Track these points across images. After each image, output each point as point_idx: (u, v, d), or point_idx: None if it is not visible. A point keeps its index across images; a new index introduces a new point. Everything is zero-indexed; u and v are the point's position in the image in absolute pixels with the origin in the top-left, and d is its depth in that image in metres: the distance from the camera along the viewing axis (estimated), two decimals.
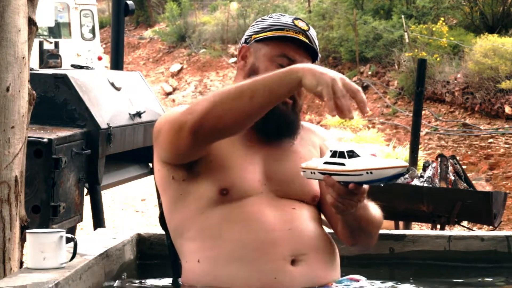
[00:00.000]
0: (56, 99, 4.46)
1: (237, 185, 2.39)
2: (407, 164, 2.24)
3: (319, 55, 2.55)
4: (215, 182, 2.39)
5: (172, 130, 2.31)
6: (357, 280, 2.48)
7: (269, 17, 2.53)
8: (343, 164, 2.18)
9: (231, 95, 2.20)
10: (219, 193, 2.38)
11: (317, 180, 2.51)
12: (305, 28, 2.48)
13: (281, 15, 2.53)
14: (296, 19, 2.50)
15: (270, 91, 2.17)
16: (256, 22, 2.54)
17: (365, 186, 2.23)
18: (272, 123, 2.42)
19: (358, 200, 2.25)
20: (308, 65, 2.16)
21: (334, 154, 2.21)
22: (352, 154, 2.18)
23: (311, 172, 2.24)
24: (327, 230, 2.57)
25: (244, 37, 2.55)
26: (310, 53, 2.50)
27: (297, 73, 2.15)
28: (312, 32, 2.50)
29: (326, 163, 2.21)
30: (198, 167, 2.40)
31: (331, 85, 2.12)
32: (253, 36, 2.50)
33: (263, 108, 2.21)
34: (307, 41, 2.46)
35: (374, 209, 2.44)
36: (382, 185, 2.18)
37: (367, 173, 2.14)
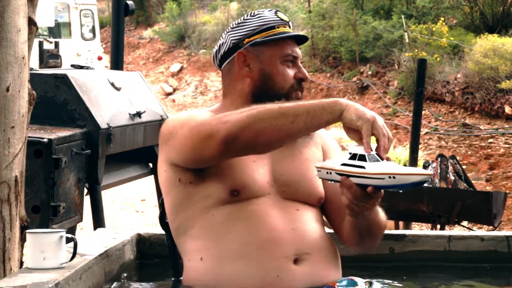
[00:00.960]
0: (56, 99, 4.46)
1: (248, 187, 2.39)
2: (431, 172, 2.22)
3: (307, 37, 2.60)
4: (226, 184, 2.39)
5: (199, 136, 2.30)
6: (357, 282, 2.48)
7: (251, 16, 2.52)
8: (363, 167, 2.16)
9: (273, 113, 2.22)
10: (229, 194, 2.39)
11: (322, 182, 2.52)
12: (286, 19, 2.55)
13: (261, 12, 2.53)
14: (276, 12, 2.54)
15: (312, 118, 2.21)
16: (239, 24, 2.51)
17: (382, 191, 2.22)
18: None
19: (373, 203, 2.25)
20: (352, 102, 2.22)
21: (353, 156, 2.19)
22: (372, 158, 2.16)
23: (327, 172, 2.22)
24: (327, 230, 2.57)
25: (231, 40, 2.51)
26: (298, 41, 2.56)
27: (341, 105, 2.20)
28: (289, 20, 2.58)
29: (344, 164, 2.20)
30: (207, 169, 2.40)
31: (371, 122, 2.17)
32: (245, 40, 2.49)
33: (301, 132, 2.26)
34: (291, 31, 2.53)
35: (381, 213, 2.44)
36: (401, 191, 2.17)
37: (389, 177, 2.12)
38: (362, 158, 2.17)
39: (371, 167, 2.15)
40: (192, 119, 2.37)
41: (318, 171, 2.27)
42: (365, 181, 2.16)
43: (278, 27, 2.50)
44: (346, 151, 2.40)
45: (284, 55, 2.48)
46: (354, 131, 2.21)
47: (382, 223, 2.44)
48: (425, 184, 6.50)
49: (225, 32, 2.55)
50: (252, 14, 2.52)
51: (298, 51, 2.53)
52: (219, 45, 2.54)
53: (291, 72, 2.49)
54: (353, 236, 2.47)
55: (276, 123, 2.21)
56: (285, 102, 2.28)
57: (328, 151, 2.59)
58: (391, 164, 2.14)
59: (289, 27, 2.54)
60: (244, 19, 2.52)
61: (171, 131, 2.41)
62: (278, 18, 2.51)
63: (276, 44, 2.48)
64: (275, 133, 2.23)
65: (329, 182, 2.29)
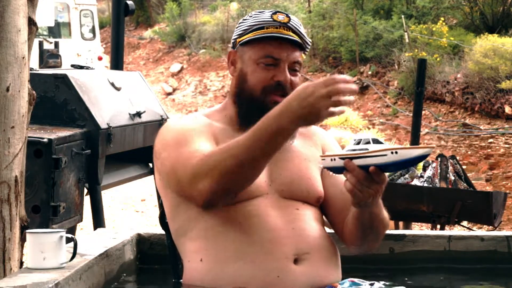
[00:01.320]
0: (56, 99, 4.46)
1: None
2: (433, 146, 2.22)
3: (309, 41, 2.51)
4: None
5: (182, 191, 2.36)
6: (358, 283, 2.48)
7: (249, 16, 2.50)
8: (366, 149, 2.17)
9: (234, 169, 2.21)
10: None
11: (321, 182, 2.52)
12: (285, 20, 2.45)
13: (260, 12, 2.49)
14: (275, 13, 2.47)
15: (267, 152, 2.21)
16: (239, 24, 2.51)
17: (385, 176, 2.21)
18: None
19: (376, 189, 2.22)
20: (290, 113, 2.13)
21: (358, 142, 2.20)
22: (376, 141, 2.17)
23: (331, 159, 2.21)
24: (327, 230, 2.56)
25: (232, 40, 2.55)
26: (297, 44, 2.47)
27: (288, 128, 2.15)
28: (294, 22, 2.47)
29: (348, 150, 2.21)
30: None
31: (320, 103, 2.11)
32: (237, 40, 2.49)
33: (266, 163, 2.25)
34: (290, 33, 2.44)
35: (385, 211, 2.44)
36: (402, 170, 2.18)
37: (391, 152, 2.11)
38: (366, 142, 2.18)
39: (374, 147, 2.16)
40: (177, 152, 2.36)
41: (322, 159, 2.26)
42: (367, 161, 2.15)
43: (267, 28, 2.43)
44: (343, 150, 2.39)
45: (261, 56, 2.42)
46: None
47: (385, 220, 2.43)
48: (425, 184, 6.53)
49: None
50: (250, 15, 2.51)
51: (287, 55, 2.43)
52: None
53: (268, 73, 2.42)
54: (356, 233, 2.45)
55: (239, 175, 2.23)
56: (240, 145, 2.22)
57: (328, 151, 2.58)
58: (393, 145, 2.16)
59: (287, 28, 2.45)
60: (243, 19, 2.51)
61: (160, 151, 2.43)
62: (271, 19, 2.44)
63: (260, 45, 2.43)
64: (244, 179, 2.26)
65: (332, 173, 2.28)
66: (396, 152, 2.11)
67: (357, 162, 2.17)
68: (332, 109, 2.11)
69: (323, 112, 2.11)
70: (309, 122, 2.14)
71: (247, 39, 2.46)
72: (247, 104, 2.44)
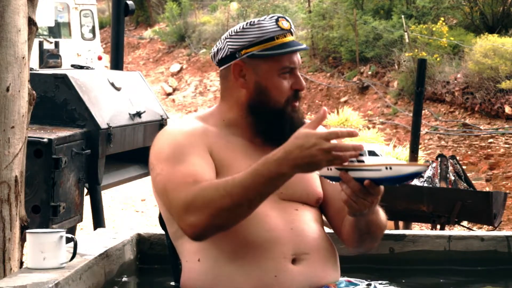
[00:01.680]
0: (56, 99, 4.46)
1: None
2: (427, 164, 2.23)
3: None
4: None
5: (173, 217, 2.36)
6: (356, 283, 2.48)
7: (251, 24, 2.45)
8: (362, 161, 2.18)
9: (229, 207, 2.22)
10: None
11: (321, 183, 2.52)
12: (288, 26, 2.47)
13: (262, 20, 2.47)
14: (278, 19, 2.46)
15: (265, 194, 2.23)
16: (238, 33, 2.45)
17: (381, 188, 2.22)
18: (283, 129, 2.42)
19: (371, 201, 2.24)
20: (290, 161, 2.16)
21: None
22: (372, 153, 2.19)
23: (328, 168, 2.22)
24: (327, 230, 2.56)
25: (228, 48, 2.47)
26: (307, 47, 2.55)
27: (287, 174, 2.19)
28: (291, 23, 2.50)
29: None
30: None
31: (320, 156, 2.14)
32: (243, 51, 2.45)
33: (261, 203, 2.27)
34: (293, 37, 2.47)
35: (382, 214, 2.44)
36: (397, 185, 2.18)
37: (386, 168, 2.13)
38: (362, 154, 2.18)
39: (369, 160, 2.17)
40: (169, 173, 2.35)
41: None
42: (363, 174, 2.17)
43: (277, 38, 2.43)
44: None
45: (281, 68, 2.43)
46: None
47: (382, 224, 2.44)
48: (425, 184, 6.53)
49: (224, 37, 2.49)
50: (252, 23, 2.46)
51: (297, 60, 2.47)
52: (217, 49, 2.50)
53: (287, 84, 2.44)
54: (353, 237, 2.46)
55: (235, 214, 2.24)
56: (236, 187, 2.22)
57: None
58: (389, 159, 2.16)
59: (291, 33, 2.47)
60: (243, 28, 2.45)
61: (153, 166, 2.42)
62: (278, 28, 2.44)
63: (273, 57, 2.44)
64: (238, 218, 2.28)
65: (329, 181, 2.29)
66: (390, 168, 2.13)
67: (353, 174, 2.19)
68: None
69: (323, 164, 2.14)
70: (307, 171, 2.19)
71: (258, 51, 2.43)
72: (267, 116, 2.44)
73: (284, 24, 2.45)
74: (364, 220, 2.36)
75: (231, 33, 2.47)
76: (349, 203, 2.24)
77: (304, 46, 2.49)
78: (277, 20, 2.46)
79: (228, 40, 2.47)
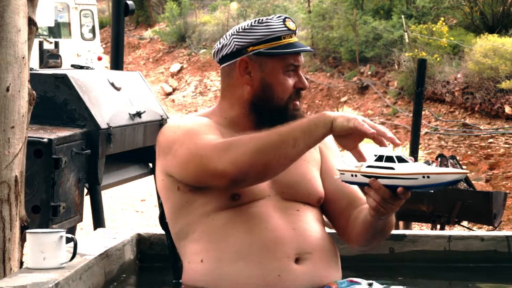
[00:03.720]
0: (56, 99, 4.46)
1: (249, 190, 2.39)
2: (466, 171, 2.21)
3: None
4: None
5: (204, 169, 2.31)
6: (357, 283, 2.48)
7: (259, 23, 2.49)
8: (392, 168, 2.14)
9: (275, 143, 2.25)
10: (229, 198, 2.39)
11: (321, 183, 2.51)
12: (294, 27, 2.52)
13: (269, 18, 2.50)
14: (285, 19, 2.51)
15: (309, 136, 2.26)
16: (245, 30, 2.48)
17: (409, 192, 2.21)
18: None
19: (399, 205, 2.25)
20: (337, 112, 2.28)
21: (380, 158, 2.17)
22: (400, 159, 2.15)
23: (352, 175, 2.20)
24: (328, 230, 2.57)
25: (235, 44, 2.49)
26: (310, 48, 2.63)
27: (329, 117, 2.25)
28: (296, 25, 2.56)
29: (370, 166, 2.19)
30: None
31: (361, 119, 2.22)
32: (250, 48, 2.47)
33: (303, 153, 2.29)
34: (296, 39, 2.52)
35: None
36: (432, 191, 2.16)
37: (423, 177, 2.09)
38: (389, 159, 2.15)
39: (401, 168, 2.13)
40: (193, 139, 2.35)
41: (341, 174, 2.25)
42: (396, 182, 2.14)
43: (284, 38, 2.48)
44: (344, 151, 2.40)
45: (286, 66, 2.48)
46: (345, 138, 2.25)
47: (393, 222, 2.46)
48: None
49: (230, 34, 2.51)
50: (260, 21, 2.50)
51: (301, 59, 2.53)
52: (222, 45, 2.51)
53: (291, 81, 2.49)
54: (365, 235, 2.45)
55: (280, 152, 2.25)
56: (280, 127, 2.29)
57: (326, 153, 2.58)
58: (421, 164, 2.13)
59: (295, 35, 2.53)
60: (251, 25, 2.48)
61: (169, 146, 2.40)
62: (286, 28, 2.48)
63: (280, 56, 2.48)
64: (281, 161, 2.27)
65: (352, 185, 2.27)
66: (428, 177, 2.09)
67: (383, 182, 2.16)
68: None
69: (357, 121, 2.20)
70: (344, 119, 2.22)
71: (265, 49, 2.46)
72: (270, 112, 2.47)
73: (291, 25, 2.51)
74: (382, 221, 2.37)
75: (239, 29, 2.50)
76: (377, 209, 2.24)
77: (308, 48, 2.57)
78: (284, 20, 2.50)
79: (234, 36, 2.49)
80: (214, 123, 2.46)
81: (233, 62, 2.49)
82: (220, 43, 2.53)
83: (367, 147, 2.38)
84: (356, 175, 2.20)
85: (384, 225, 2.41)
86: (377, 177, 2.16)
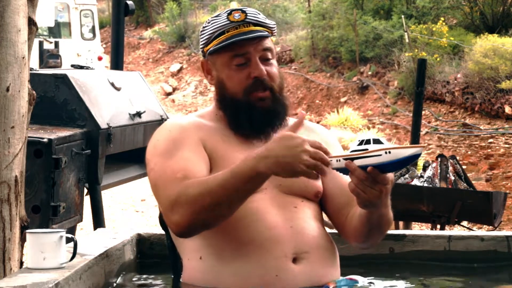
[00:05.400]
0: (56, 99, 4.46)
1: None
2: (424, 145, 2.26)
3: (272, 23, 2.53)
4: None
5: (161, 208, 2.39)
6: (356, 281, 2.48)
7: (208, 23, 2.52)
8: (366, 149, 2.22)
9: (209, 206, 2.24)
10: None
11: (321, 177, 2.52)
12: (242, 17, 2.46)
13: (217, 16, 2.51)
14: (230, 13, 2.48)
15: (242, 193, 2.24)
16: (201, 32, 2.54)
17: (389, 176, 2.22)
18: (250, 120, 2.45)
19: (379, 190, 2.22)
20: (270, 158, 2.17)
21: (361, 142, 2.26)
22: (377, 141, 2.23)
23: (337, 160, 2.24)
24: (328, 230, 2.56)
25: (200, 48, 2.57)
26: (262, 33, 2.47)
27: (263, 173, 2.20)
28: (251, 14, 2.47)
29: (352, 151, 2.25)
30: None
31: (302, 157, 2.15)
32: (205, 49, 2.52)
33: (241, 203, 2.28)
34: (250, 28, 2.45)
35: (390, 210, 2.44)
36: (399, 169, 2.22)
37: (385, 152, 2.16)
38: (367, 142, 2.24)
39: (372, 148, 2.20)
40: (162, 169, 2.37)
41: (330, 160, 2.28)
42: (365, 161, 2.19)
43: (228, 31, 2.45)
44: (347, 150, 2.42)
45: (230, 59, 2.45)
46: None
47: (390, 219, 2.45)
48: (425, 184, 6.52)
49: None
50: (208, 21, 2.53)
51: (252, 48, 2.44)
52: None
53: (242, 74, 2.45)
54: (362, 231, 2.44)
55: (216, 212, 2.26)
56: (214, 188, 2.25)
57: (328, 149, 2.58)
58: (391, 144, 2.20)
59: (250, 24, 2.45)
60: (203, 27, 2.54)
61: (148, 162, 2.44)
62: (228, 21, 2.46)
63: (225, 49, 2.46)
64: (221, 216, 2.28)
65: (341, 174, 2.29)
66: (389, 152, 2.17)
67: (357, 162, 2.21)
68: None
69: (301, 168, 2.15)
70: (282, 172, 2.18)
71: (213, 47, 2.48)
72: (233, 109, 2.47)
73: (235, 16, 2.47)
74: (376, 214, 2.35)
75: (200, 33, 2.56)
76: (356, 192, 2.23)
77: (254, 34, 2.45)
78: (229, 14, 2.49)
79: (200, 40, 2.57)
80: (201, 125, 2.48)
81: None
82: None
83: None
84: (339, 160, 2.24)
85: (379, 219, 2.39)
86: (352, 159, 2.22)
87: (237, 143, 2.46)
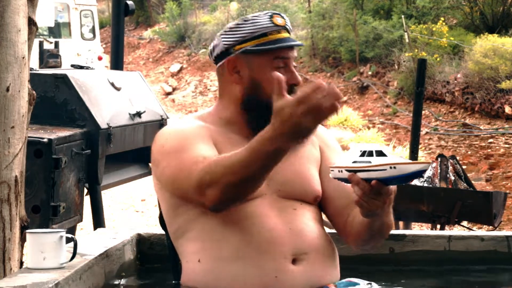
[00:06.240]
0: (56, 99, 4.47)
1: None
2: (429, 161, 2.25)
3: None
4: None
5: (187, 197, 2.36)
6: (356, 283, 2.48)
7: (245, 20, 2.48)
8: (369, 162, 2.20)
9: (236, 183, 2.21)
10: None
11: (320, 181, 2.52)
12: (283, 22, 2.48)
13: (257, 16, 2.49)
14: (272, 16, 2.48)
15: (267, 167, 2.20)
16: (232, 29, 2.48)
17: (392, 188, 2.22)
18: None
19: (383, 201, 2.23)
20: (281, 136, 2.13)
21: (363, 153, 2.23)
22: (380, 153, 2.20)
23: (339, 171, 2.24)
24: (328, 230, 2.56)
25: (223, 44, 2.49)
26: (301, 43, 2.55)
27: (285, 147, 2.16)
28: (288, 22, 2.51)
29: (354, 162, 2.23)
30: None
31: (303, 120, 2.11)
32: (236, 47, 2.47)
33: (268, 174, 2.24)
34: (287, 34, 2.48)
35: (391, 214, 2.44)
36: (404, 184, 2.20)
37: (390, 167, 2.15)
38: (370, 154, 2.21)
39: (376, 161, 2.18)
40: (179, 159, 2.35)
41: (331, 170, 2.28)
42: (370, 175, 2.18)
43: (270, 34, 2.45)
44: (346, 150, 2.42)
45: (274, 62, 2.44)
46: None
47: (392, 223, 2.45)
48: (425, 184, 6.52)
49: (219, 34, 2.52)
50: (245, 19, 2.49)
51: (292, 54, 2.47)
52: (213, 46, 2.53)
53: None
54: (363, 236, 2.45)
55: (251, 182, 2.23)
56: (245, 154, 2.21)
57: (326, 151, 2.58)
58: (395, 157, 2.18)
59: (287, 31, 2.49)
60: (237, 24, 2.48)
61: (159, 160, 2.42)
62: (272, 24, 2.46)
63: (266, 52, 2.45)
64: (256, 182, 2.25)
65: (344, 183, 2.29)
66: (394, 167, 2.16)
67: (361, 175, 2.20)
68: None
69: (310, 125, 2.11)
70: (301, 138, 2.14)
71: (251, 47, 2.45)
72: (264, 110, 2.41)
73: (278, 21, 2.48)
74: (378, 222, 2.36)
75: (226, 29, 2.50)
76: (360, 204, 2.24)
77: (298, 42, 2.50)
78: (271, 17, 2.48)
79: (223, 36, 2.50)
80: (206, 127, 2.46)
81: (223, 62, 2.50)
82: (212, 44, 2.54)
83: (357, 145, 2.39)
84: (341, 171, 2.24)
85: (381, 226, 2.40)
86: (355, 171, 2.21)
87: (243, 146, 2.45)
